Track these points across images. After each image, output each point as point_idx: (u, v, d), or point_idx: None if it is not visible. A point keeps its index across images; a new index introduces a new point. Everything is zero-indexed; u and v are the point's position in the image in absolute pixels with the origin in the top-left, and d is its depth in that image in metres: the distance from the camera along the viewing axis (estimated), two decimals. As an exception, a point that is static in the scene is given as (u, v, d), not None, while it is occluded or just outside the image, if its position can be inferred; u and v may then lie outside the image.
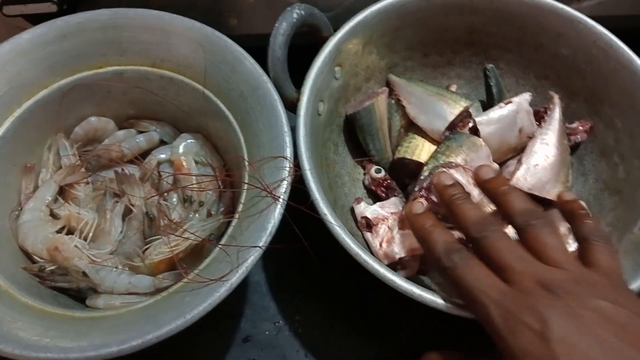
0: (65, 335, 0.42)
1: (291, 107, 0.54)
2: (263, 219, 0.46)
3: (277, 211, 0.46)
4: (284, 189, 0.47)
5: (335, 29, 0.58)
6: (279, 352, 0.58)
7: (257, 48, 0.54)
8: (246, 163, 0.51)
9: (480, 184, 0.52)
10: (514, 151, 0.63)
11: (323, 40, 0.57)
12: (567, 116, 0.64)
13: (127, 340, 0.40)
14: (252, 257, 0.44)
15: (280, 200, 0.46)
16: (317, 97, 0.56)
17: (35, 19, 0.55)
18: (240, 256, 0.44)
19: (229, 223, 0.50)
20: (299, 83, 0.55)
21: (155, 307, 0.45)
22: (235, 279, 0.43)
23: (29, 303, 0.46)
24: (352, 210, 0.59)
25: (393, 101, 0.64)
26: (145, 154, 0.59)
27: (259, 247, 0.44)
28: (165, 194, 0.55)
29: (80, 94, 0.55)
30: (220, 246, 0.46)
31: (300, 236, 0.47)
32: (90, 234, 0.52)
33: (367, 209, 0.58)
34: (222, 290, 0.42)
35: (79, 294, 0.52)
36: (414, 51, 0.67)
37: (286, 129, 0.50)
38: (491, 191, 0.50)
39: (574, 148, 0.64)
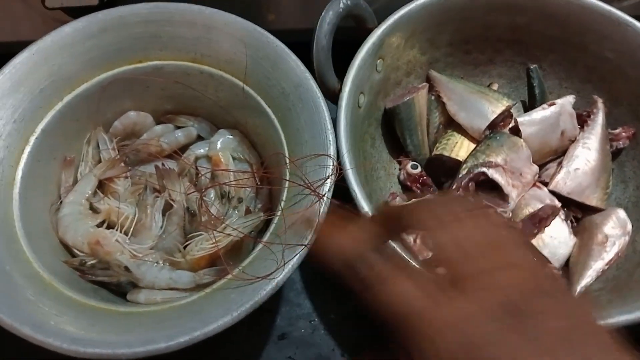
0: (110, 329, 0.43)
1: (333, 97, 0.54)
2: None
3: (322, 210, 0.45)
4: (327, 187, 0.46)
5: (379, 21, 0.58)
6: (314, 350, 0.58)
7: (295, 43, 0.53)
8: (287, 160, 0.51)
9: None
10: (555, 153, 0.63)
11: (367, 32, 0.57)
12: (610, 122, 0.63)
13: (174, 337, 0.40)
14: (298, 255, 0.43)
15: (325, 198, 0.46)
16: (358, 89, 0.56)
17: (75, 12, 0.55)
18: (286, 254, 0.44)
19: (267, 220, 0.50)
20: (340, 78, 0.56)
21: (200, 303, 0.44)
22: (281, 277, 0.42)
23: (72, 297, 0.46)
24: None
25: (433, 97, 0.64)
26: (183, 149, 0.59)
27: (305, 245, 0.44)
28: (204, 190, 0.55)
29: (119, 88, 0.55)
30: (264, 243, 0.46)
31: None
32: (131, 229, 0.52)
33: None
34: (269, 289, 0.42)
35: (118, 288, 0.52)
36: (455, 48, 0.66)
37: (329, 126, 0.49)
38: None
39: (615, 154, 0.63)
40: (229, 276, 0.45)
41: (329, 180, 0.46)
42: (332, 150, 0.48)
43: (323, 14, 0.53)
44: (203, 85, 0.56)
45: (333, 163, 0.47)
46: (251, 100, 0.54)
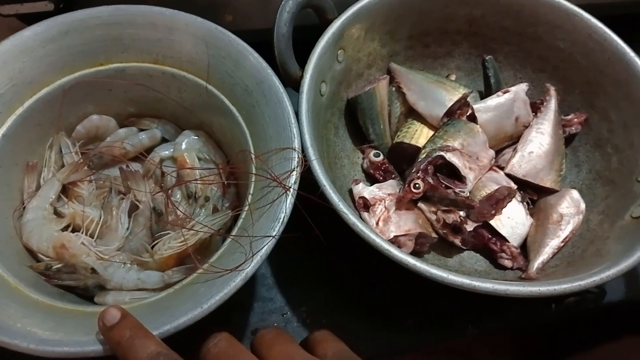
0: (79, 329, 0.42)
1: (294, 84, 0.56)
2: (275, 209, 0.46)
3: (289, 201, 0.46)
4: (293, 179, 0.47)
5: (339, 13, 0.60)
6: (289, 342, 0.59)
7: (254, 44, 0.54)
8: (252, 156, 0.51)
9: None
10: (510, 139, 0.65)
11: (327, 23, 0.59)
12: (563, 109, 0.66)
13: (144, 332, 0.40)
14: (267, 246, 0.44)
15: (291, 190, 0.46)
16: (319, 77, 0.57)
17: (30, 19, 0.54)
18: (254, 246, 0.44)
19: (235, 218, 0.50)
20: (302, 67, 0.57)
21: (170, 299, 0.44)
22: (250, 268, 0.43)
23: (39, 300, 0.45)
24: (350, 192, 0.61)
25: (394, 88, 0.66)
26: (147, 152, 0.59)
27: (272, 236, 0.44)
28: (170, 190, 0.55)
29: (81, 92, 0.55)
30: (232, 237, 0.46)
31: (312, 224, 0.47)
32: (97, 231, 0.52)
33: (365, 190, 0.59)
34: (238, 280, 0.42)
35: (85, 292, 0.51)
36: (415, 41, 0.69)
37: (293, 120, 0.50)
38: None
39: (569, 140, 0.66)
40: (199, 270, 0.45)
41: (294, 172, 0.47)
42: (296, 144, 0.49)
43: (283, 2, 0.54)
44: (166, 87, 0.57)
45: (298, 155, 0.48)
46: (215, 99, 0.55)
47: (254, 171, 0.50)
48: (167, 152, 0.58)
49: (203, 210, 0.54)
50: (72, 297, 0.51)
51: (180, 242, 0.50)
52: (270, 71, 0.52)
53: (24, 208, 0.53)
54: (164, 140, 0.61)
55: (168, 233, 0.51)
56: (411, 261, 0.47)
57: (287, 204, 0.46)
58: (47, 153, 0.56)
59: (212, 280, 0.43)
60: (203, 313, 0.41)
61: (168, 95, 0.57)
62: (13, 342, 0.40)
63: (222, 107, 0.55)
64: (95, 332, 0.41)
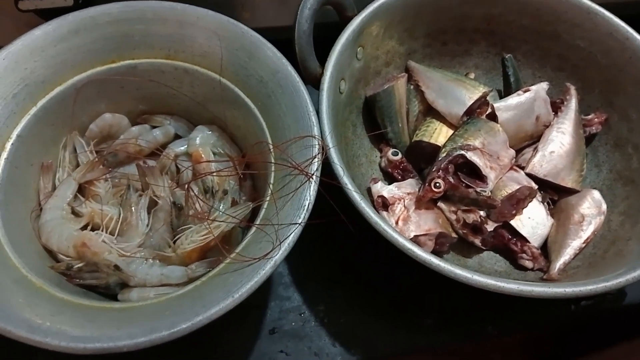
0: (110, 324, 0.42)
1: (314, 81, 0.55)
2: (298, 197, 0.46)
3: (312, 188, 0.46)
4: (315, 166, 0.47)
5: (358, 10, 0.60)
6: (306, 342, 0.58)
7: (271, 41, 0.54)
8: (270, 146, 0.51)
9: None
10: (531, 138, 0.65)
11: (347, 20, 0.59)
12: (582, 108, 0.66)
13: (176, 324, 0.40)
14: (293, 233, 0.44)
15: (314, 177, 0.46)
16: (339, 74, 0.57)
17: (49, 14, 0.54)
18: (280, 234, 0.44)
19: (255, 211, 0.50)
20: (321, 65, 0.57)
21: (199, 290, 0.44)
22: (278, 255, 0.43)
23: (65, 298, 0.44)
24: (369, 191, 0.60)
25: (412, 87, 0.66)
26: (161, 148, 0.58)
27: (298, 223, 0.44)
28: (189, 184, 0.55)
29: (94, 90, 0.55)
30: (258, 226, 0.46)
31: (337, 210, 0.47)
32: (117, 229, 0.52)
33: (384, 189, 0.59)
34: (268, 268, 0.42)
35: (107, 290, 0.51)
36: (433, 39, 0.69)
37: (311, 108, 0.50)
38: None
39: (589, 139, 0.66)
40: (227, 260, 0.45)
41: (316, 160, 0.47)
42: (316, 131, 0.49)
43: None
44: (178, 82, 0.57)
45: (318, 142, 0.48)
46: (229, 92, 0.55)
47: (273, 160, 0.50)
48: (181, 148, 0.58)
49: (222, 204, 0.54)
50: (95, 296, 0.50)
51: (203, 235, 0.49)
52: (285, 61, 0.52)
53: (41, 209, 0.52)
54: (177, 137, 0.60)
55: (189, 227, 0.51)
56: (435, 261, 0.47)
57: (311, 190, 0.46)
58: (61, 153, 0.55)
59: (241, 270, 0.43)
60: (234, 302, 0.41)
61: (180, 91, 0.57)
62: (45, 340, 0.39)
63: (236, 100, 0.55)
64: (125, 327, 0.41)
